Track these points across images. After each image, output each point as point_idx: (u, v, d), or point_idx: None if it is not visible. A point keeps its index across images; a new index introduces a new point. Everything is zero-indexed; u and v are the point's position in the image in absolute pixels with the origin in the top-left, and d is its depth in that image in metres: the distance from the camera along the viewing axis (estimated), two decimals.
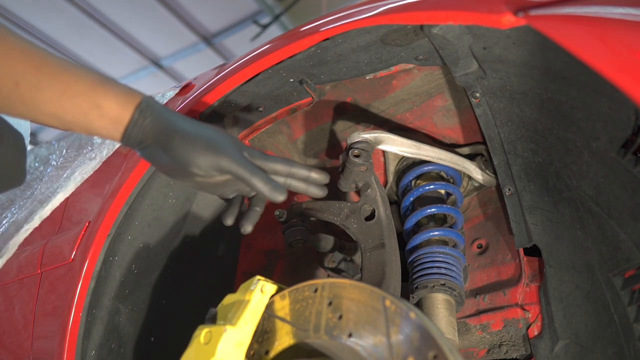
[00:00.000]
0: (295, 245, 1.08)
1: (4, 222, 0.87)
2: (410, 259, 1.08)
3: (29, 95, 0.57)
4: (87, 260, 0.91)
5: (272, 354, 0.69)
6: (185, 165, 0.65)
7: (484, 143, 1.03)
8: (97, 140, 1.05)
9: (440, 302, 0.98)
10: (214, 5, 5.68)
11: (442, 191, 1.16)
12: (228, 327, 0.65)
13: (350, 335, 0.63)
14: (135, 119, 0.63)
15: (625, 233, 0.73)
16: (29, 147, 1.52)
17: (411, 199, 1.13)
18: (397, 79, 1.12)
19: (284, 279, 1.37)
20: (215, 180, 0.69)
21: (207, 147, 0.65)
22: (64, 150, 1.25)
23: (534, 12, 0.62)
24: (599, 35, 0.54)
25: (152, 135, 0.64)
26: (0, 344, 1.11)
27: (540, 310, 0.98)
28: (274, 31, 5.67)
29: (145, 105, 0.64)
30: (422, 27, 0.78)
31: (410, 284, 1.04)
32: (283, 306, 0.72)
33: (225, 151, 0.66)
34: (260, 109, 1.07)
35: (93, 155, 0.92)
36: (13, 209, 1.05)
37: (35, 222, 0.86)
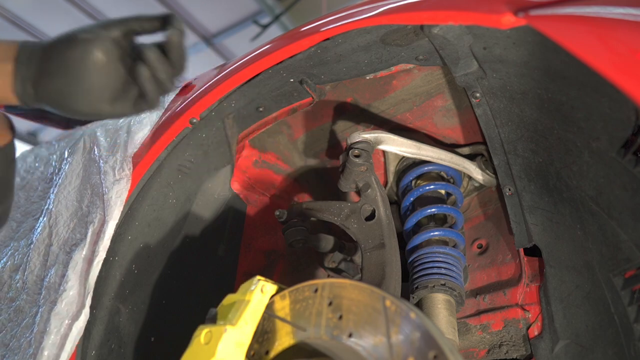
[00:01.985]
0: (295, 245, 1.08)
1: (74, 255, 0.93)
2: (410, 259, 1.08)
3: None
4: None
5: (272, 354, 0.69)
6: (76, 53, 0.63)
7: (484, 143, 1.03)
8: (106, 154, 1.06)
9: (440, 302, 0.98)
10: (214, 5, 5.68)
11: (442, 191, 1.16)
12: (228, 327, 0.65)
13: (350, 335, 0.63)
14: (22, 46, 0.64)
15: (625, 233, 0.73)
16: (29, 147, 1.53)
17: (411, 199, 1.13)
18: (398, 79, 1.12)
19: (284, 279, 1.37)
20: (116, 55, 0.66)
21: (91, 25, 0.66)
22: (65, 151, 1.25)
23: (534, 12, 0.62)
24: (599, 35, 0.54)
25: (39, 53, 0.64)
26: (0, 343, 1.11)
27: (541, 310, 0.98)
28: (274, 31, 5.67)
29: (23, 41, 0.65)
30: (422, 27, 0.77)
31: (411, 284, 1.04)
32: (283, 306, 0.72)
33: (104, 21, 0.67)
34: (260, 109, 1.07)
35: (118, 176, 0.96)
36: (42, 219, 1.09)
37: (102, 254, 0.92)
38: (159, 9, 5.56)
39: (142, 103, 0.68)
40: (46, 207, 1.15)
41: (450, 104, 1.12)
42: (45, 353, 0.85)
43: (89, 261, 0.92)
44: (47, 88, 0.64)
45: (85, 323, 0.88)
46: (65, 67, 0.64)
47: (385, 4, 0.79)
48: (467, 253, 1.16)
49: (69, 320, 0.88)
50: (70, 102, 0.65)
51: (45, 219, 1.10)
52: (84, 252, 0.93)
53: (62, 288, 0.91)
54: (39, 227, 1.11)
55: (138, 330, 1.04)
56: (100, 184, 1.00)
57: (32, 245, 1.08)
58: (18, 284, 1.04)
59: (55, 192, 1.13)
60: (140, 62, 0.65)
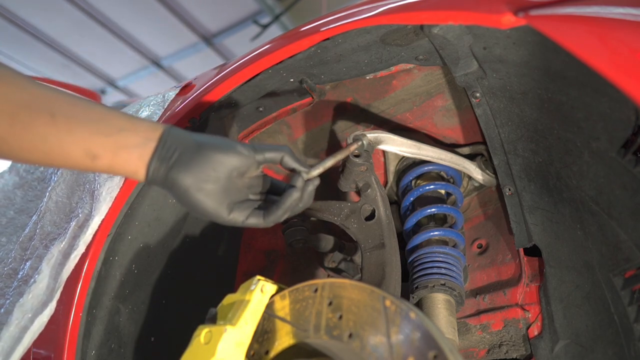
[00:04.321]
0: (295, 245, 1.08)
1: (51, 249, 0.91)
2: (410, 259, 1.08)
3: (65, 123, 0.59)
4: (87, 260, 0.91)
5: (272, 354, 0.69)
6: (226, 158, 0.67)
7: (484, 143, 1.03)
8: None
9: (440, 302, 0.98)
10: (214, 5, 5.68)
11: (442, 191, 1.16)
12: (228, 327, 0.65)
13: (350, 336, 0.63)
14: (170, 128, 0.66)
15: (625, 233, 0.73)
16: None
17: (411, 199, 1.13)
18: (397, 79, 1.12)
19: (284, 279, 1.37)
20: (251, 177, 0.72)
21: (239, 142, 0.70)
22: None
23: (534, 12, 0.62)
24: (599, 35, 0.54)
25: (190, 140, 0.66)
26: None
27: (541, 310, 0.98)
28: (274, 31, 5.67)
29: (170, 125, 0.68)
30: (422, 27, 0.78)
31: (410, 284, 1.04)
32: (283, 306, 0.72)
33: (252, 143, 0.72)
34: (260, 109, 1.07)
35: None
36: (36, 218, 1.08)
37: (81, 248, 0.90)
38: (159, 10, 5.56)
39: (255, 217, 0.71)
40: (41, 205, 1.15)
41: (450, 104, 1.12)
42: (0, 344, 0.82)
43: (66, 255, 0.89)
44: (178, 181, 0.65)
45: (50, 317, 0.85)
46: (207, 172, 0.66)
47: (385, 4, 0.79)
48: (467, 253, 1.16)
49: (31, 314, 0.84)
50: (193, 201, 0.67)
51: (36, 216, 1.10)
52: (61, 245, 0.90)
53: (32, 280, 0.88)
54: (30, 224, 1.11)
55: (138, 330, 1.04)
56: (94, 181, 0.99)
57: (18, 241, 1.07)
58: None
59: (49, 189, 1.13)
60: (293, 187, 0.71)
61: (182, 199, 0.67)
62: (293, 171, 0.74)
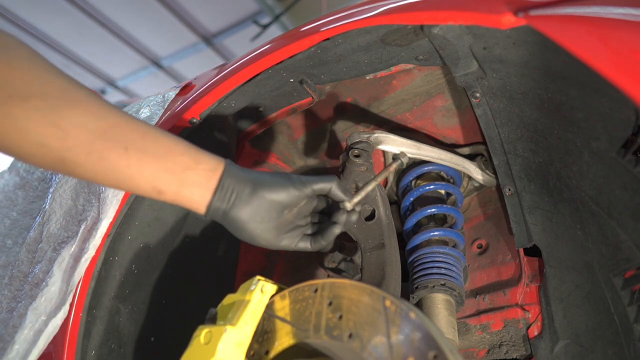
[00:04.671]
0: None
1: (62, 252, 0.91)
2: (410, 259, 1.08)
3: (137, 158, 0.63)
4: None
5: (272, 354, 0.69)
6: (279, 197, 0.73)
7: (484, 143, 1.03)
8: None
9: (440, 302, 0.98)
10: (214, 5, 5.68)
11: (442, 191, 1.16)
12: (228, 327, 0.65)
13: (350, 336, 0.63)
14: (228, 167, 0.71)
15: (625, 233, 0.73)
16: None
17: (411, 199, 1.14)
18: (397, 79, 1.12)
19: (284, 279, 1.37)
20: (300, 207, 0.77)
21: (289, 177, 0.76)
22: None
23: (534, 12, 0.62)
24: (599, 35, 0.54)
25: (246, 181, 0.71)
26: None
27: (541, 310, 0.98)
28: (274, 31, 5.67)
29: (229, 161, 0.73)
30: (422, 27, 0.78)
31: (410, 284, 1.04)
32: (283, 306, 0.72)
33: (300, 176, 0.78)
34: (260, 109, 1.07)
35: None
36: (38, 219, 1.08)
37: (92, 251, 0.91)
38: (159, 10, 5.57)
39: (303, 242, 0.79)
40: (44, 206, 1.15)
41: (450, 104, 1.12)
42: (15, 347, 0.83)
43: (77, 258, 0.90)
44: (235, 221, 0.72)
45: (63, 320, 0.86)
46: (262, 214, 0.72)
47: (385, 4, 0.79)
48: (467, 253, 1.16)
49: (45, 317, 0.85)
50: (249, 236, 0.74)
51: (39, 217, 1.10)
52: (72, 249, 0.91)
53: (44, 283, 0.88)
54: (34, 225, 1.11)
55: (138, 330, 1.04)
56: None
57: (24, 243, 1.07)
58: (4, 281, 1.03)
59: (52, 191, 1.13)
60: (336, 224, 0.78)
61: (238, 234, 0.74)
62: (338, 200, 0.80)
